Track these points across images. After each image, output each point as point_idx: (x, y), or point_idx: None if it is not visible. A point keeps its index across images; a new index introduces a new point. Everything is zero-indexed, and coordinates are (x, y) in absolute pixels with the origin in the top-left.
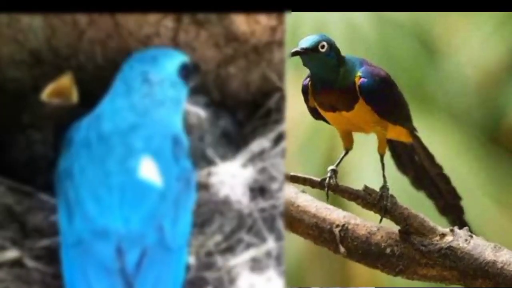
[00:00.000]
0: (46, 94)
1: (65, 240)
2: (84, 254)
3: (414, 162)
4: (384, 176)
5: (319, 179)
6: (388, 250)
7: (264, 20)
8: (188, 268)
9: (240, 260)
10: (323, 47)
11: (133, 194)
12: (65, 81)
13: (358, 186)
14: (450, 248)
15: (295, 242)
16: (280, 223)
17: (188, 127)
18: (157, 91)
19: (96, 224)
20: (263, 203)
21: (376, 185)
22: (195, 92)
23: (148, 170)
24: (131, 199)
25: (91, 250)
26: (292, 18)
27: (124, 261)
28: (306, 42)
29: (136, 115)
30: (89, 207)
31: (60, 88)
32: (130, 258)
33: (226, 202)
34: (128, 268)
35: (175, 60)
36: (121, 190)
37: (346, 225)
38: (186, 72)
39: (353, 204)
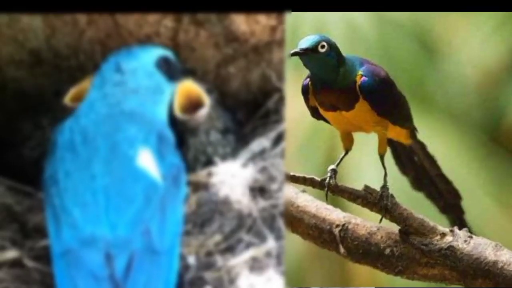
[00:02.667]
0: (68, 98)
1: (54, 250)
2: (73, 263)
3: (414, 162)
4: (385, 175)
5: (319, 179)
6: (388, 250)
7: (264, 20)
8: (188, 268)
9: (240, 260)
10: (323, 47)
11: (118, 198)
12: (87, 85)
13: (358, 186)
14: (450, 248)
15: (295, 242)
16: (280, 223)
17: None
18: (129, 79)
19: (83, 232)
20: (263, 203)
21: (376, 185)
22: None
23: (147, 164)
24: (117, 203)
25: (80, 259)
26: (292, 18)
27: (113, 267)
28: (305, 42)
29: (108, 106)
30: (75, 214)
31: (82, 92)
32: (119, 264)
33: (226, 202)
34: (117, 274)
35: (152, 52)
36: (105, 194)
37: (346, 225)
38: (166, 65)
39: (353, 204)
